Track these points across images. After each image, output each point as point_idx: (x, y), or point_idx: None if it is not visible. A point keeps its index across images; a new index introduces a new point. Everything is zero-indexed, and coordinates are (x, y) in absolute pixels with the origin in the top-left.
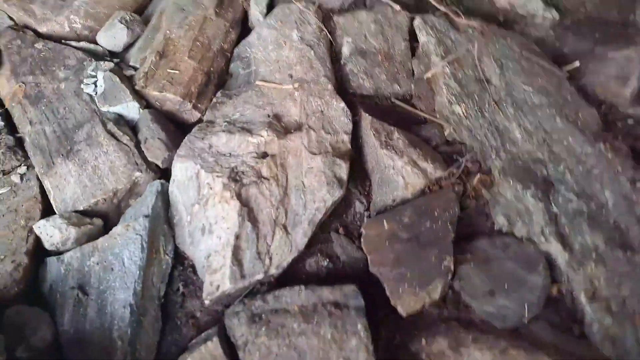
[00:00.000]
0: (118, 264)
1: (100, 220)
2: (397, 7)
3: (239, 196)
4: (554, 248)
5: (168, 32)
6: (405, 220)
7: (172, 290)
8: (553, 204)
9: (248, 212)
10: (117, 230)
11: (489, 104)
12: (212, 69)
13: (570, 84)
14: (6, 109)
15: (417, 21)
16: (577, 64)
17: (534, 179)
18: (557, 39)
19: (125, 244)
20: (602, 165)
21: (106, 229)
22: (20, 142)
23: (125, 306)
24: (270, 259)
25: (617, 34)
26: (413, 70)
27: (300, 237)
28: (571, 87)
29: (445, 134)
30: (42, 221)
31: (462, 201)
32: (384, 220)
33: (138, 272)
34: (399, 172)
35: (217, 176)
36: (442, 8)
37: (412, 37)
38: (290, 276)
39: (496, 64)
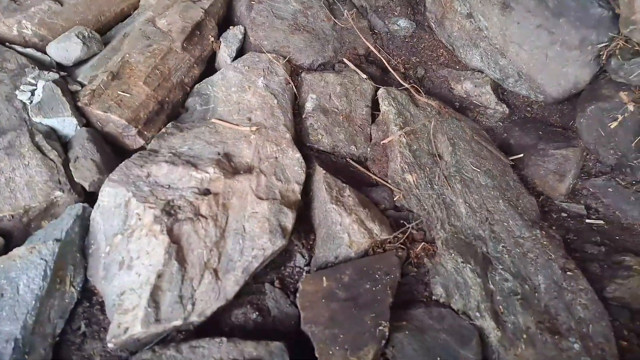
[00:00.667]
0: (11, 290)
1: (2, 239)
2: (364, 76)
3: (169, 232)
4: (488, 325)
5: (127, 55)
6: (345, 280)
7: (71, 329)
8: (490, 281)
9: (177, 250)
10: (18, 251)
11: (438, 177)
12: (167, 99)
13: (513, 172)
14: None
15: (381, 91)
16: (521, 155)
17: (474, 255)
18: (505, 131)
19: (25, 269)
20: (537, 250)
21: (6, 250)
22: None
23: (8, 340)
24: (193, 305)
25: (558, 134)
26: (371, 136)
27: (232, 284)
28: (514, 175)
29: (395, 199)
30: None
31: (404, 267)
32: (324, 277)
33: (34, 302)
34: (345, 229)
35: (150, 207)
36: (405, 84)
37: (374, 106)
38: (213, 326)
39: (449, 142)
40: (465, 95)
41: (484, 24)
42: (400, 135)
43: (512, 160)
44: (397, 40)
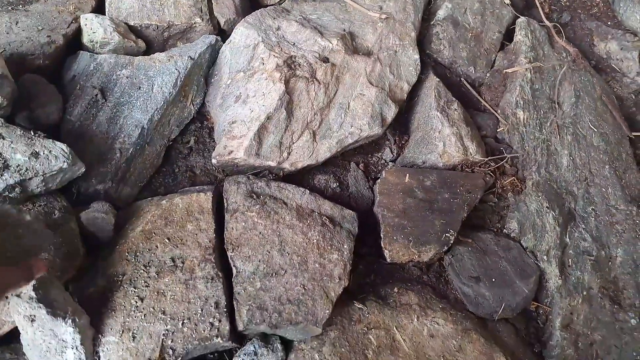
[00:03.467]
0: (147, 86)
1: (144, 44)
2: (507, 1)
3: (286, 82)
4: (551, 270)
5: None
6: (426, 183)
7: (182, 141)
8: (567, 235)
9: (288, 101)
10: (159, 56)
11: (550, 124)
12: None
13: (630, 146)
14: None
15: (522, 20)
16: None
17: (561, 206)
18: (636, 105)
19: (161, 72)
20: (626, 225)
21: (145, 55)
22: None
23: (137, 126)
24: (289, 154)
25: None
26: (494, 63)
27: (324, 150)
28: (630, 149)
29: (498, 130)
30: (91, 15)
31: (486, 194)
32: (407, 174)
33: (162, 103)
34: (442, 138)
35: (274, 55)
36: (547, 22)
37: (507, 35)
38: (297, 182)
39: (574, 92)
40: (605, 56)
41: None
42: (527, 69)
43: (633, 134)
44: None
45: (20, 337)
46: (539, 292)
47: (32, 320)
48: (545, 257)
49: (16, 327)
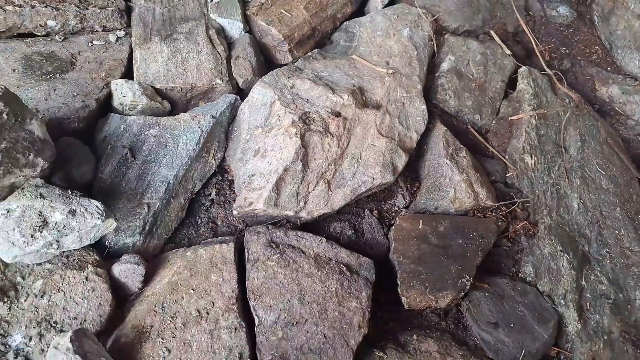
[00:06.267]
0: (172, 144)
1: (169, 105)
2: (508, 52)
3: (302, 136)
4: (570, 314)
5: None
6: (440, 229)
7: (204, 194)
8: (584, 278)
9: (304, 154)
10: (183, 116)
11: (558, 168)
12: (319, 27)
13: (639, 187)
14: None
15: (523, 69)
16: None
17: (575, 249)
18: None
19: (186, 131)
20: None
21: (170, 115)
22: (128, 10)
23: (163, 182)
24: (305, 203)
25: None
26: (499, 110)
27: (339, 198)
28: None
29: (507, 175)
30: (121, 80)
31: (499, 239)
32: (421, 220)
33: (187, 159)
34: (453, 185)
35: (290, 112)
36: (548, 71)
37: (510, 84)
38: (313, 230)
39: (579, 136)
40: (607, 100)
41: None
42: (531, 116)
43: None
44: (551, 27)
45: None
46: (558, 337)
47: None
48: (562, 301)
49: None
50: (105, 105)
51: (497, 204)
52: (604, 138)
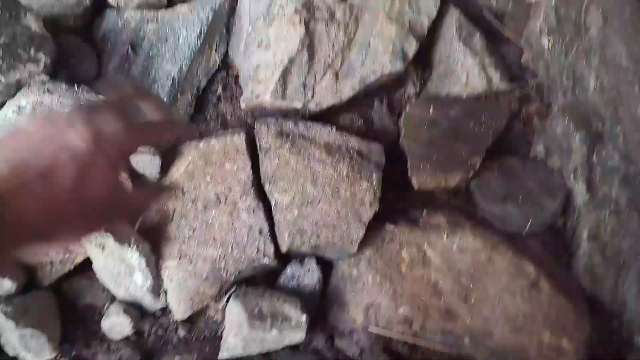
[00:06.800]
0: (173, 38)
1: None
2: None
3: (306, 25)
4: (579, 188)
5: None
6: (450, 114)
7: (210, 90)
8: (595, 156)
9: (309, 43)
10: (181, 8)
11: (576, 49)
12: None
13: None
14: None
15: None
16: None
17: (588, 127)
18: None
19: (185, 24)
20: None
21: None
22: None
23: (168, 77)
24: (313, 94)
25: None
26: None
27: (348, 89)
28: None
29: (522, 59)
30: None
31: (511, 122)
32: (431, 106)
33: (189, 54)
34: (465, 69)
35: (292, 0)
36: None
37: None
38: (323, 121)
39: (602, 15)
40: None
41: None
42: None
43: None
44: None
45: (93, 266)
46: (566, 209)
47: (103, 248)
48: (572, 176)
49: (88, 257)
50: (101, 2)
51: (509, 87)
52: (628, 16)
